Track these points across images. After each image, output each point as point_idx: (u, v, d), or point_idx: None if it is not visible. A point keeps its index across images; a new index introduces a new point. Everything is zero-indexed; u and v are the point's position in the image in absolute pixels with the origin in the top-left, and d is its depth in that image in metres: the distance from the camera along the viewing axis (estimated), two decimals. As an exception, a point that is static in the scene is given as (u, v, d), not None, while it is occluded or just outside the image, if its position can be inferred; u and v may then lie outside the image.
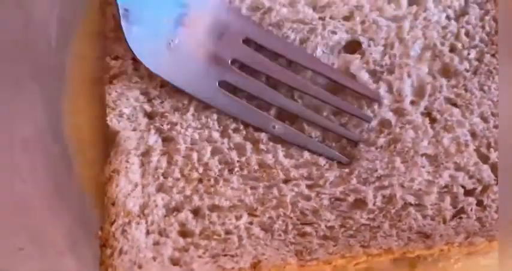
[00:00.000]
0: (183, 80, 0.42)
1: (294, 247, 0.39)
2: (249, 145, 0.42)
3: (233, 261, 0.39)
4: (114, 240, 0.38)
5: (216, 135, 0.42)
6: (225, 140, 0.42)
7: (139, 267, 0.38)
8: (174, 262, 0.39)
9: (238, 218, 0.40)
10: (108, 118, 0.42)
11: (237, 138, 0.42)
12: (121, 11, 0.42)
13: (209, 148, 0.41)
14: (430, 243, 0.39)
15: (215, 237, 0.39)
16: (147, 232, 0.39)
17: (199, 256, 0.39)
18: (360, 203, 0.40)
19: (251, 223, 0.40)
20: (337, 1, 0.45)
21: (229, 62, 0.43)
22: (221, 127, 0.42)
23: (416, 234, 0.39)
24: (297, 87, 0.42)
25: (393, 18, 0.44)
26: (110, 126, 0.42)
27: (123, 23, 0.42)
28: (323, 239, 0.39)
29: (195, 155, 0.41)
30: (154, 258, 0.38)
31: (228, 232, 0.39)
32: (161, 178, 0.41)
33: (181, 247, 0.39)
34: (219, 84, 0.43)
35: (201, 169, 0.41)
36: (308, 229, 0.39)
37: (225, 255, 0.39)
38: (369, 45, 0.44)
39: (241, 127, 0.42)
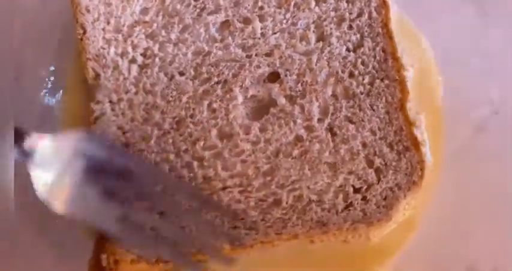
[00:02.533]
0: (88, 215, 0.47)
1: (228, 237, 0.50)
2: (195, 163, 0.51)
3: None
4: None
5: (171, 156, 0.52)
6: (178, 160, 0.52)
7: None
8: None
9: None
10: None
11: (187, 158, 0.52)
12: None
13: (167, 168, 0.51)
14: (325, 229, 0.49)
15: None
16: None
17: None
18: (276, 202, 0.50)
19: None
20: (260, 42, 0.53)
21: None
22: (175, 150, 0.52)
23: (316, 223, 0.50)
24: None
25: (304, 52, 0.53)
26: None
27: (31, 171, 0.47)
28: (248, 230, 0.50)
29: None
30: None
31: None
32: None
33: None
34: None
35: None
36: (238, 223, 0.50)
37: None
38: (286, 75, 0.52)
39: (189, 148, 0.52)
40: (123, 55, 0.54)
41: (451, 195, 0.53)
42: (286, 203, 0.50)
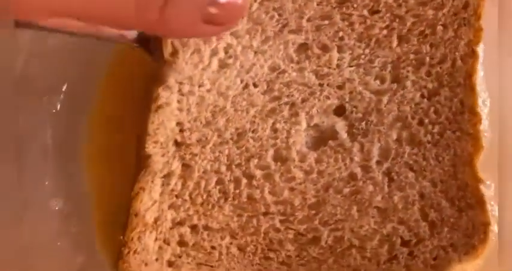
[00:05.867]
0: None
1: (257, 267, 0.43)
2: (244, 180, 0.45)
3: (210, 270, 0.44)
4: (132, 243, 0.44)
5: (223, 168, 0.46)
6: (228, 173, 0.46)
7: (146, 264, 0.44)
8: (169, 264, 0.44)
9: (222, 238, 0.44)
10: (146, 144, 0.46)
11: (237, 173, 0.46)
12: None
13: (215, 179, 0.46)
14: None
15: (202, 250, 0.44)
16: (156, 239, 0.44)
17: (188, 263, 0.44)
18: (316, 239, 0.43)
19: (231, 243, 0.44)
20: (335, 73, 0.47)
21: None
22: (228, 162, 0.46)
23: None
24: None
25: (376, 91, 0.46)
26: (146, 151, 0.46)
27: None
28: (280, 264, 0.43)
29: (203, 183, 0.46)
30: (156, 259, 0.44)
31: (212, 248, 0.44)
32: (174, 198, 0.45)
33: (177, 254, 0.44)
34: None
35: (204, 196, 0.45)
36: (271, 254, 0.43)
37: (206, 265, 0.44)
38: (351, 112, 0.46)
39: (243, 163, 0.46)
40: (205, 42, 0.47)
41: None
42: (326, 243, 0.43)
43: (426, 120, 0.45)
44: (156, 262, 0.44)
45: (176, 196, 0.46)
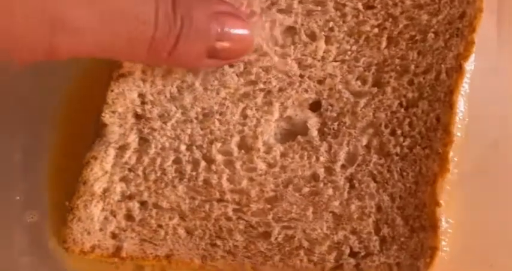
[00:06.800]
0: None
1: (202, 252, 0.42)
2: (203, 163, 0.43)
3: (153, 248, 0.42)
4: (77, 210, 0.42)
5: (182, 147, 0.44)
6: (187, 154, 0.44)
7: (88, 233, 0.42)
8: (113, 236, 0.42)
9: (171, 218, 0.42)
10: (103, 113, 0.44)
11: (197, 154, 0.44)
12: None
13: (172, 158, 0.43)
14: None
15: (148, 227, 0.42)
16: (102, 210, 0.43)
17: (131, 238, 0.42)
18: (266, 234, 0.42)
19: (179, 225, 0.42)
20: (318, 65, 0.44)
21: None
22: (189, 142, 0.44)
23: None
24: None
25: (355, 92, 0.43)
26: (102, 120, 0.44)
27: None
28: (226, 253, 0.42)
29: (159, 160, 0.43)
30: (100, 230, 0.42)
31: (159, 226, 0.42)
32: (126, 171, 0.43)
33: (122, 227, 0.42)
34: None
35: (159, 173, 0.43)
36: (218, 242, 0.42)
37: (150, 242, 0.42)
38: (326, 110, 0.44)
39: (204, 145, 0.44)
40: None
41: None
42: (275, 239, 0.41)
43: (399, 131, 0.43)
44: (99, 232, 0.43)
45: (129, 169, 0.43)
